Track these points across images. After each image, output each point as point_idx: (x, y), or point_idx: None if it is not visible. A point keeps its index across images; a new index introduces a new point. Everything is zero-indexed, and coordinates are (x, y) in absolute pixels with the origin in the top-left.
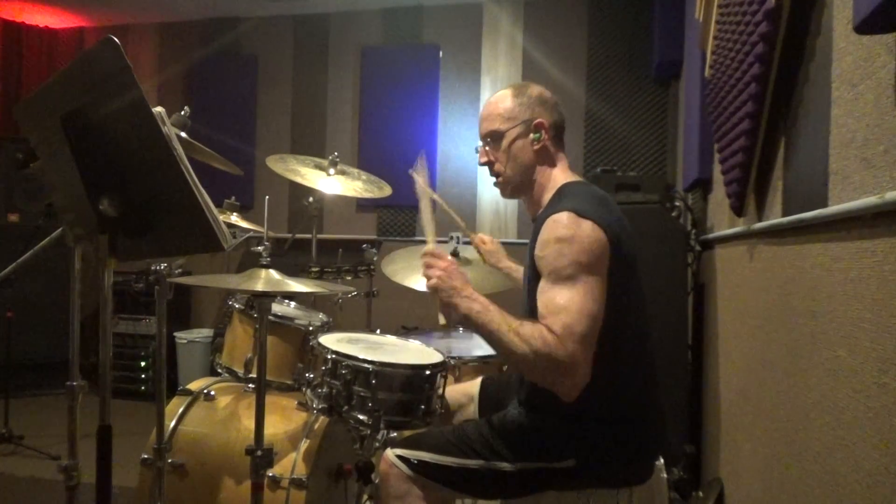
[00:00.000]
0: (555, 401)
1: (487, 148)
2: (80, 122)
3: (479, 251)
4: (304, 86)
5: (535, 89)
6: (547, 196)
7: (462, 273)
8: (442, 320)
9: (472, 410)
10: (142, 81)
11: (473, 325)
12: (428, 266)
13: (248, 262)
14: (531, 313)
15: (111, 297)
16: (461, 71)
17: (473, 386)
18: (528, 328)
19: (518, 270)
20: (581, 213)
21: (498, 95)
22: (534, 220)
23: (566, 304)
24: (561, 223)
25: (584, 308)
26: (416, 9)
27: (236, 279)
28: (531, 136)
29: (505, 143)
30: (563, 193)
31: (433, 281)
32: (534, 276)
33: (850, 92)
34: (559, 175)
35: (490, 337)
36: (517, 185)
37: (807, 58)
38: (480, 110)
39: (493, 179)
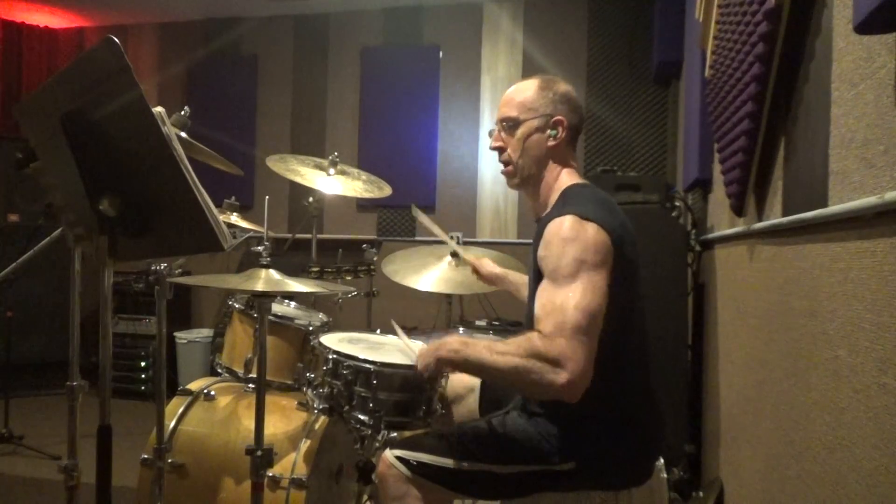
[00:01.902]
0: (555, 404)
1: (502, 133)
2: (80, 122)
3: (471, 266)
4: (304, 86)
5: (563, 86)
6: (553, 197)
7: (432, 342)
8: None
9: (472, 401)
10: (142, 81)
11: (460, 366)
12: (422, 366)
13: (248, 262)
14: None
15: (111, 297)
16: (461, 71)
17: (474, 378)
18: (511, 343)
19: (512, 274)
20: (585, 217)
21: (525, 83)
22: (537, 220)
23: (562, 302)
24: (565, 226)
25: (581, 304)
26: (416, 9)
27: (236, 279)
28: (548, 131)
29: (520, 132)
30: (567, 196)
31: (421, 367)
32: (536, 278)
33: (850, 92)
34: (566, 177)
35: (479, 369)
36: (524, 177)
37: (807, 58)
38: (504, 94)
39: (501, 167)
